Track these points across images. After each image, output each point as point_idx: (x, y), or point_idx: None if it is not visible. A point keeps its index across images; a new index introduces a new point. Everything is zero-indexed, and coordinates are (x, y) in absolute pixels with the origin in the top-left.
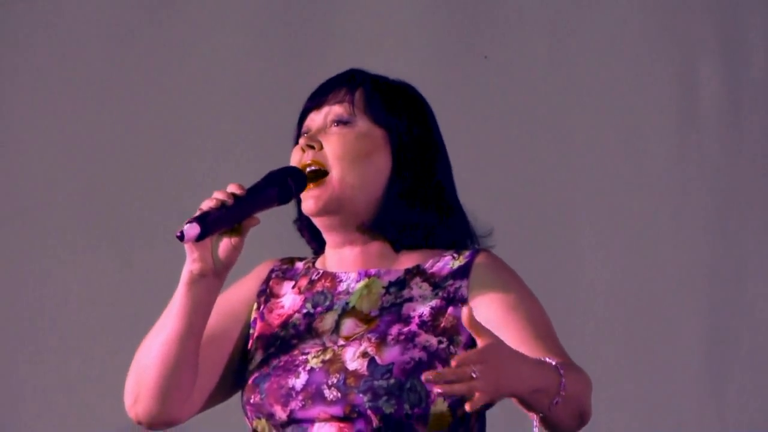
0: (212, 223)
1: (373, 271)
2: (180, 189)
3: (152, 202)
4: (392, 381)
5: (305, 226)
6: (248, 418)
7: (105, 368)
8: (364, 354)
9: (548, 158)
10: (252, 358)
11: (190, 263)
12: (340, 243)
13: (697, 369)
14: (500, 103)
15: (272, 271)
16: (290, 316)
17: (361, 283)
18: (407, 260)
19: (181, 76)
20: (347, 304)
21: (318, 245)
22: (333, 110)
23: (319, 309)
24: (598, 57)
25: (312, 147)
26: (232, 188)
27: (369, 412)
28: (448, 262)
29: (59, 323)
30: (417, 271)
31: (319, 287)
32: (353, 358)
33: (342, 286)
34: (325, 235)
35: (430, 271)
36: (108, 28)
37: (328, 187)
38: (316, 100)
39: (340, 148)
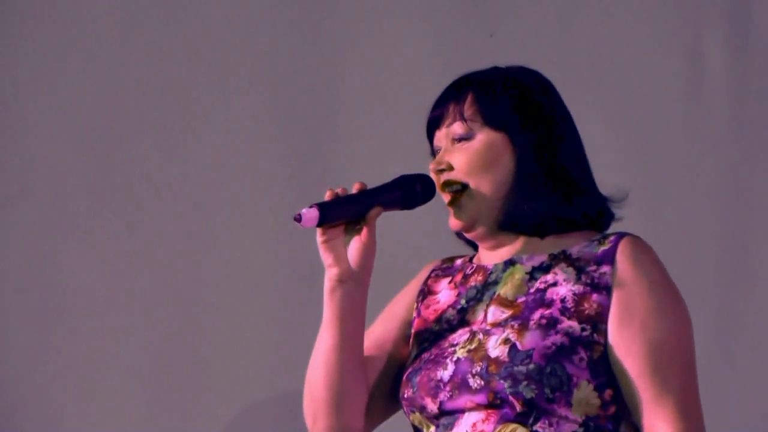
0: (329, 208)
1: (515, 258)
2: (189, 179)
3: (160, 193)
4: (531, 366)
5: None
6: (405, 414)
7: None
8: (506, 341)
9: None
10: (410, 355)
11: (327, 268)
12: (491, 246)
13: (704, 346)
14: None
15: (432, 270)
16: (444, 310)
17: (507, 272)
18: (553, 245)
19: (186, 70)
20: (494, 293)
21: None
22: (452, 130)
23: (470, 303)
24: (605, 34)
25: (442, 171)
26: (354, 186)
27: (511, 397)
28: (593, 247)
29: (65, 316)
30: (563, 256)
31: (472, 282)
32: (495, 346)
33: (491, 278)
34: (477, 242)
35: (576, 255)
36: (120, 18)
37: (466, 201)
38: (435, 119)
39: (466, 165)
